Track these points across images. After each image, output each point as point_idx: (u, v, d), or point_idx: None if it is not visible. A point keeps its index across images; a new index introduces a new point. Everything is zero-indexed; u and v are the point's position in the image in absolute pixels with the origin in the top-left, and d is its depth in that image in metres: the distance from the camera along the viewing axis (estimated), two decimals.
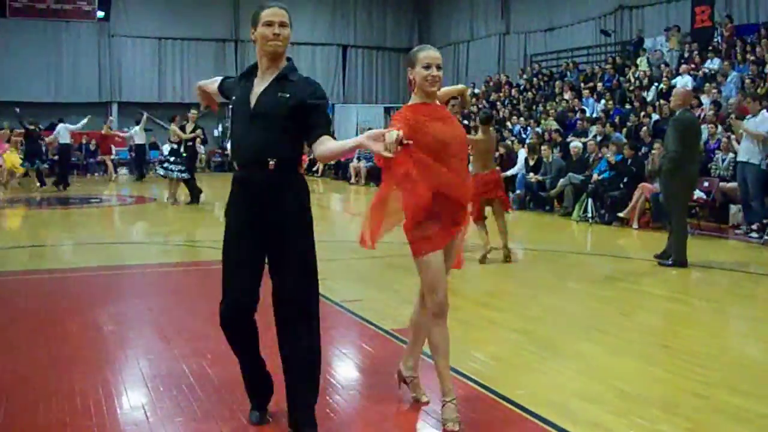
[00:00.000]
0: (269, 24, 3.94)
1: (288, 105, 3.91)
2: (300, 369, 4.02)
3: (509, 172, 16.99)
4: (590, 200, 14.50)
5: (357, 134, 28.78)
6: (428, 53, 4.30)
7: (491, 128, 10.03)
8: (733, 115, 14.28)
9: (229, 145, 4.31)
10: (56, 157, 24.01)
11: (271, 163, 3.90)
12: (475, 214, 9.27)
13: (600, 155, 15.42)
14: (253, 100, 3.98)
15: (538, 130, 19.82)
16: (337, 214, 17.93)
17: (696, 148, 9.95)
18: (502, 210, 9.84)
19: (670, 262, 9.38)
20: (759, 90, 15.22)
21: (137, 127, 25.06)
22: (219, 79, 4.47)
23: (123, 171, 28.01)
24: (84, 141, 28.34)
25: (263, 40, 3.95)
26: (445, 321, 4.32)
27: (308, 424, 4.01)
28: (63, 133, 22.89)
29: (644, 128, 15.97)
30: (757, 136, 12.18)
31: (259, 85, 4.01)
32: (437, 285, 4.26)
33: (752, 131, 12.23)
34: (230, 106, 4.14)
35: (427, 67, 4.25)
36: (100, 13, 30.74)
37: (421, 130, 4.17)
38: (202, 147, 25.84)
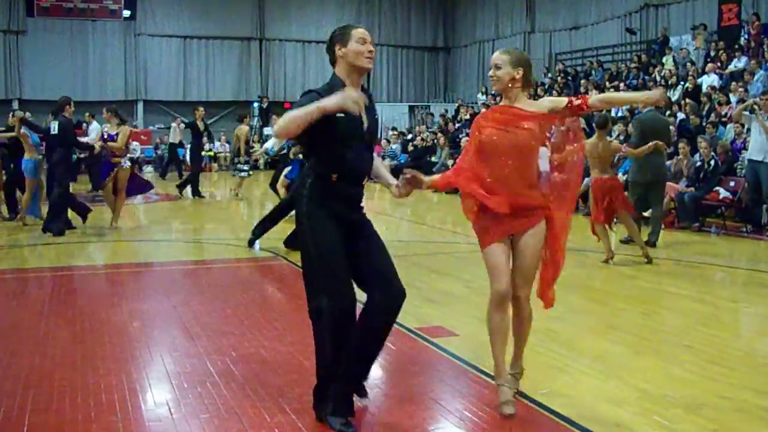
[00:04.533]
0: (364, 41, 4.13)
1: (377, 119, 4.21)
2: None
3: None
4: None
5: (382, 132, 28.82)
6: None
7: (605, 133, 9.94)
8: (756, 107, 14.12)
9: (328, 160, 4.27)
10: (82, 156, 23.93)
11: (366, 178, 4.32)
12: (594, 215, 9.63)
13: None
14: (364, 119, 4.15)
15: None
16: None
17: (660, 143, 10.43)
18: (625, 214, 9.81)
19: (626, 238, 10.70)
20: None
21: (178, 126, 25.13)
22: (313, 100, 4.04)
23: (149, 169, 28.14)
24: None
25: (358, 56, 4.11)
26: (506, 310, 4.47)
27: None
28: (96, 133, 22.34)
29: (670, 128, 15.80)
30: None
31: None
32: (496, 275, 4.41)
33: None
34: (334, 124, 4.05)
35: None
36: (126, 13, 30.94)
37: (477, 131, 4.50)
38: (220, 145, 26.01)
